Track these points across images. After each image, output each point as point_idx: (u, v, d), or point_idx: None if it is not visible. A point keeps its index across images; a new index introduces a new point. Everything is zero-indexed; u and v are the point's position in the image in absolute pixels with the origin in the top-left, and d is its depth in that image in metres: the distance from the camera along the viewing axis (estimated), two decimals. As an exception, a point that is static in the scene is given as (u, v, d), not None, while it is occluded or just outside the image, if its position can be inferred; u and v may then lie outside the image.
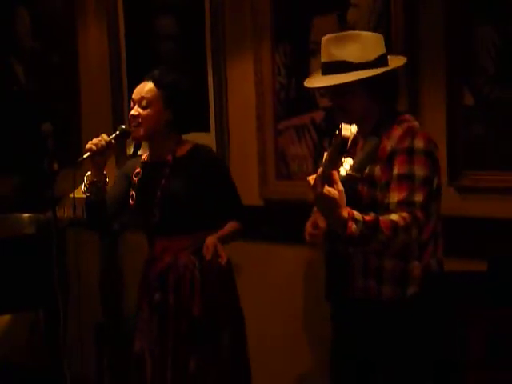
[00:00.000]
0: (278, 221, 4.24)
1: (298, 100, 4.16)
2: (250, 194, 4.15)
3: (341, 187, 2.55)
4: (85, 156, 3.40)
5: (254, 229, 3.72)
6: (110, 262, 4.79)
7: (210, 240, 3.43)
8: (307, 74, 4.04)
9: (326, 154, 2.58)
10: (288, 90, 4.19)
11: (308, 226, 2.90)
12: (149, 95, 3.48)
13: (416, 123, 2.90)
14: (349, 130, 2.53)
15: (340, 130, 2.49)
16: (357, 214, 2.61)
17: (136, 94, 3.51)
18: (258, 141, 4.31)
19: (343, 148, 2.53)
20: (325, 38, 2.89)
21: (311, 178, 2.59)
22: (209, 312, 3.49)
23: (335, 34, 2.90)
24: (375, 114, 2.90)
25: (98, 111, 5.10)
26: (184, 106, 3.53)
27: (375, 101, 2.90)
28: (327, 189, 2.53)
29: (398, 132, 2.83)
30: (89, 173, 3.47)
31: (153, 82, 3.50)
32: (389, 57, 2.93)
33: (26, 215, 4.82)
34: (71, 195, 3.46)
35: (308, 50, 4.08)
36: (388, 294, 2.85)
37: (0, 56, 5.68)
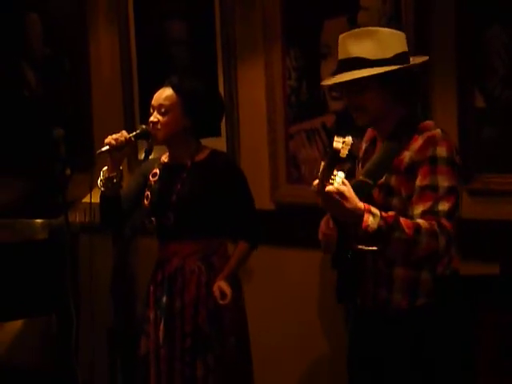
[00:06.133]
0: (290, 224, 4.24)
1: (308, 104, 4.15)
2: (261, 197, 4.14)
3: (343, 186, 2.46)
4: (103, 149, 3.41)
5: (265, 233, 3.72)
6: (122, 267, 4.80)
7: (216, 287, 3.50)
8: (318, 77, 4.06)
9: (322, 164, 2.46)
10: (299, 93, 4.19)
11: (322, 225, 2.84)
12: (168, 102, 3.50)
13: (437, 131, 2.77)
14: (341, 141, 2.40)
15: (332, 142, 2.40)
16: (374, 208, 2.52)
17: (155, 101, 3.53)
18: (268, 145, 4.30)
19: (334, 161, 2.44)
20: (342, 35, 2.82)
21: (316, 183, 2.49)
22: (214, 318, 3.51)
23: (352, 31, 2.85)
24: (394, 116, 2.83)
25: (109, 116, 5.11)
26: (203, 112, 3.54)
27: (393, 101, 2.82)
28: (332, 187, 2.44)
29: (417, 143, 2.74)
30: (105, 168, 3.48)
31: (172, 88, 3.51)
32: (412, 58, 2.85)
33: (39, 220, 4.82)
34: (87, 199, 3.48)
35: (318, 54, 4.07)
36: (397, 303, 2.79)
37: (11, 61, 5.69)
